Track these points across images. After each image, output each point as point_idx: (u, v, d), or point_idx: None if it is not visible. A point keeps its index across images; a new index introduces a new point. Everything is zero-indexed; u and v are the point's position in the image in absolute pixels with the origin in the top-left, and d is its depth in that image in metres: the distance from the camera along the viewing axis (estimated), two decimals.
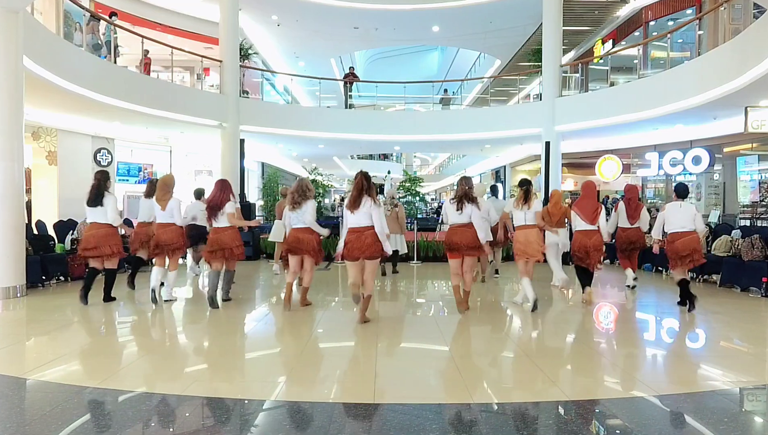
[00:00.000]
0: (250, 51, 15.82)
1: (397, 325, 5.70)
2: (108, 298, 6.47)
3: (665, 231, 6.37)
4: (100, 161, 13.61)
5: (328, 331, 5.37)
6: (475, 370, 4.11)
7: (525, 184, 6.22)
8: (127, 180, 14.46)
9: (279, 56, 19.45)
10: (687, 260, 6.10)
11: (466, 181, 5.88)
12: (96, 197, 6.20)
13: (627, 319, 6.17)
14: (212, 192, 6.27)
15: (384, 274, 9.25)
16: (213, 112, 13.01)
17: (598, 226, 6.31)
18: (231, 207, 6.17)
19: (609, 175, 15.37)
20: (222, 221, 6.16)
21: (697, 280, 8.59)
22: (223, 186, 6.26)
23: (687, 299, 6.18)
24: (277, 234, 8.99)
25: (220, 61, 13.43)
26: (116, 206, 6.30)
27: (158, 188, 6.49)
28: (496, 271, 9.04)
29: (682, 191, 6.36)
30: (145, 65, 11.97)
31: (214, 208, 6.16)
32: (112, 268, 6.44)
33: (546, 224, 6.66)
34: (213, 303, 6.10)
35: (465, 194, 5.74)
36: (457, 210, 5.75)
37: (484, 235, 5.82)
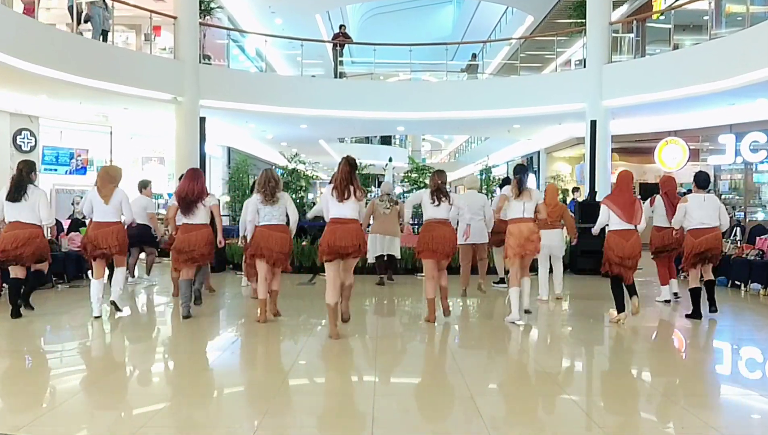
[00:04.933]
0: (212, 5, 15.81)
1: (399, 354, 5.68)
2: (26, 305, 6.75)
3: (684, 226, 6.95)
4: (20, 145, 13.56)
5: (311, 363, 5.35)
6: (503, 413, 4.09)
7: (519, 172, 6.85)
8: (56, 169, 14.40)
9: (250, 11, 19.43)
10: (704, 259, 6.74)
11: (439, 175, 6.72)
12: (18, 190, 6.41)
13: (699, 347, 6.16)
14: (184, 182, 6.66)
15: (382, 283, 9.37)
16: (165, 82, 12.97)
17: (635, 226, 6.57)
18: (213, 199, 6.72)
19: (672, 163, 15.33)
20: (198, 217, 6.53)
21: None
22: (195, 175, 6.72)
23: (710, 303, 6.88)
24: None
25: (175, 18, 13.39)
26: (48, 202, 6.68)
27: (99, 177, 6.79)
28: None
29: (703, 182, 7.01)
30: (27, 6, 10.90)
31: (191, 201, 6.51)
32: (41, 269, 6.76)
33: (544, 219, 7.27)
34: (189, 315, 6.58)
35: (438, 188, 6.51)
36: (432, 202, 6.48)
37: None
